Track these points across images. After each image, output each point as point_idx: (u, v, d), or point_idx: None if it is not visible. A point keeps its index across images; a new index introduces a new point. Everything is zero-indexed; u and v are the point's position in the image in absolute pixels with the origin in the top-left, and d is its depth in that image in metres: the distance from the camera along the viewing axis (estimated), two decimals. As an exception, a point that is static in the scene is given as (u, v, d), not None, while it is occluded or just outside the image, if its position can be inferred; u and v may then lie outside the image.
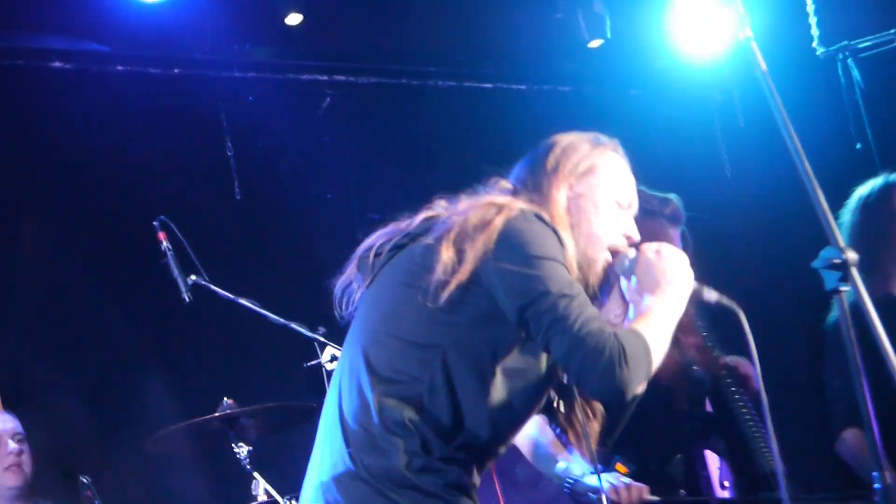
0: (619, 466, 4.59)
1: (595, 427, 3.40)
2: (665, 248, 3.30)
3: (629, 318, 3.26)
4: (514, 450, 5.24)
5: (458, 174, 7.46)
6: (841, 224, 4.80)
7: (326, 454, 3.14)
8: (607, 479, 4.40)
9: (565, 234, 3.18)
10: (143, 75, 6.73)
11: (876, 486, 2.76)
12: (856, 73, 6.35)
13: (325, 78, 7.29)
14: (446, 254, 3.04)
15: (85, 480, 5.37)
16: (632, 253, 3.32)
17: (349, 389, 3.14)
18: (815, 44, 6.33)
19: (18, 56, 6.56)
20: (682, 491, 4.59)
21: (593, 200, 3.31)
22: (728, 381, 4.62)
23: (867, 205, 4.86)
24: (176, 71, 6.85)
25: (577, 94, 8.00)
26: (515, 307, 2.99)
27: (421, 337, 3.06)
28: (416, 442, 2.99)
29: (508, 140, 7.49)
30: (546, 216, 3.15)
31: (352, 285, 3.33)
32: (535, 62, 7.72)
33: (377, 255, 3.26)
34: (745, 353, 3.35)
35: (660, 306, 3.18)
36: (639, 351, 2.98)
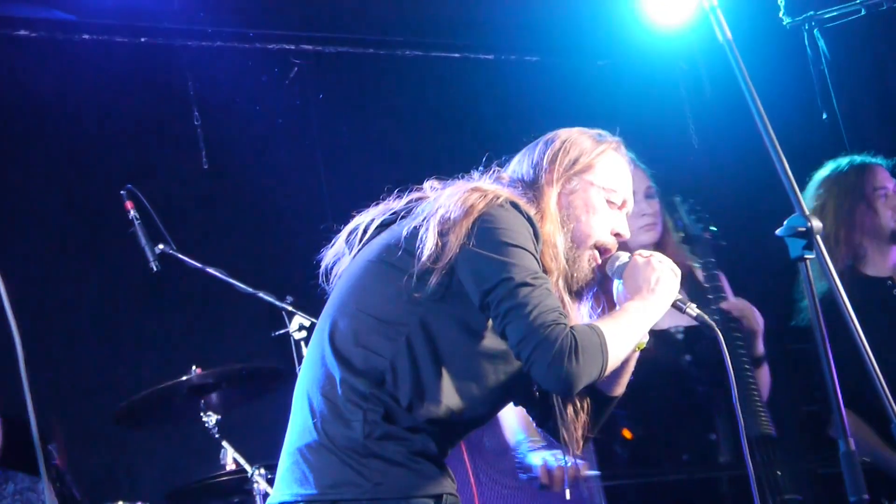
0: (625, 431, 4.63)
1: (582, 418, 3.43)
2: (657, 257, 3.35)
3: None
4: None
5: (424, 143, 7.50)
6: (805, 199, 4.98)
7: (296, 424, 3.19)
8: (543, 457, 4.46)
9: (552, 229, 3.25)
10: (109, 44, 6.65)
11: (840, 450, 2.80)
12: (822, 43, 6.38)
13: (293, 47, 7.27)
14: (432, 240, 3.09)
15: (52, 448, 5.38)
16: (624, 257, 3.39)
17: (316, 360, 3.19)
18: (781, 13, 6.35)
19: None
20: (683, 456, 4.60)
21: (584, 198, 3.37)
22: (736, 335, 4.64)
23: (836, 184, 5.06)
24: (143, 40, 6.78)
25: (545, 64, 7.99)
26: (478, 291, 3.05)
27: (388, 314, 3.12)
28: (378, 412, 3.05)
29: (475, 109, 7.55)
30: (527, 207, 3.20)
31: (338, 259, 3.38)
32: (502, 32, 7.70)
33: (364, 231, 3.32)
34: (722, 367, 3.39)
35: (635, 310, 3.24)
36: (592, 347, 3.01)
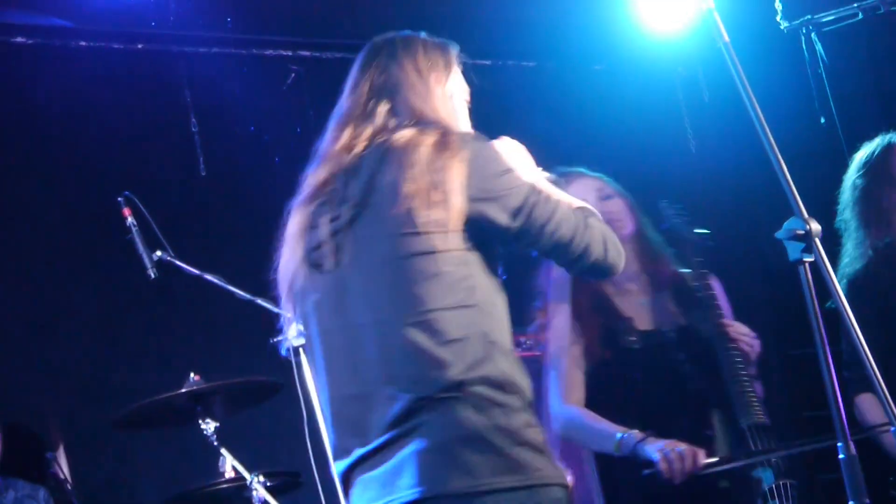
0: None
1: None
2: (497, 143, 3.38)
3: None
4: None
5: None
6: (843, 189, 5.18)
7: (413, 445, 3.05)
8: (659, 448, 4.34)
9: None
10: (106, 51, 6.67)
11: (840, 456, 2.79)
12: (819, 47, 6.39)
13: (290, 53, 7.29)
14: (439, 210, 3.07)
15: (50, 456, 5.37)
16: None
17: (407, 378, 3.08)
18: (778, 18, 6.35)
19: (-26, 32, 6.52)
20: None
21: (456, 101, 3.47)
22: (725, 338, 4.60)
23: (866, 166, 5.13)
24: (139, 46, 6.80)
25: (541, 70, 8.02)
26: (510, 226, 3.14)
27: (450, 299, 3.08)
28: (509, 403, 3.04)
29: (472, 114, 7.51)
30: (463, 132, 3.30)
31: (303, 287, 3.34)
32: (500, 36, 7.69)
33: (334, 235, 3.25)
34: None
35: (553, 188, 3.32)
36: (607, 228, 3.28)
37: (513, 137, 3.54)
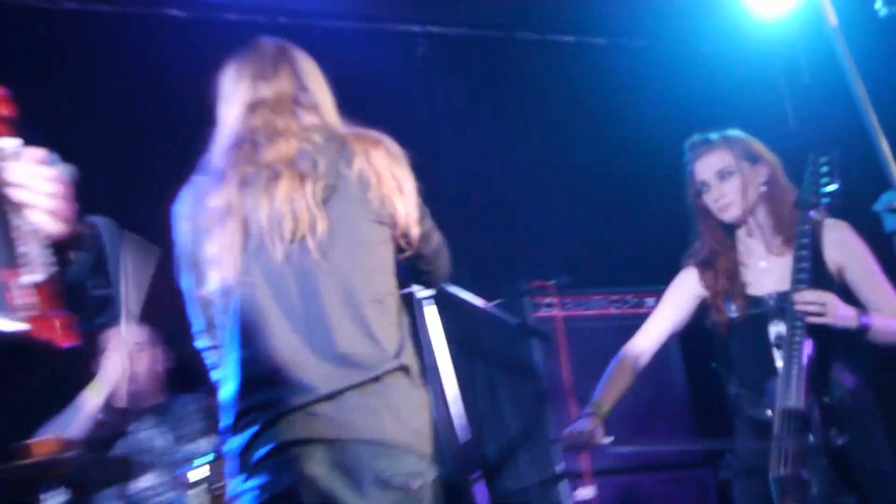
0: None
1: None
2: None
3: None
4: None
5: (540, 123, 7.58)
6: None
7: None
8: (576, 423, 4.58)
9: None
10: (252, 23, 6.83)
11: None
12: (919, 32, 6.52)
13: (419, 28, 7.47)
14: (392, 208, 3.48)
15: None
16: None
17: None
18: (878, 5, 6.51)
19: (135, 3, 6.72)
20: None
21: None
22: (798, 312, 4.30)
23: None
24: (281, 20, 6.98)
25: (653, 49, 8.14)
26: (423, 224, 3.57)
27: (394, 285, 3.52)
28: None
29: (588, 92, 7.70)
30: None
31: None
32: (614, 16, 7.83)
33: (308, 210, 3.38)
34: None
35: None
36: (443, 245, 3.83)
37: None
